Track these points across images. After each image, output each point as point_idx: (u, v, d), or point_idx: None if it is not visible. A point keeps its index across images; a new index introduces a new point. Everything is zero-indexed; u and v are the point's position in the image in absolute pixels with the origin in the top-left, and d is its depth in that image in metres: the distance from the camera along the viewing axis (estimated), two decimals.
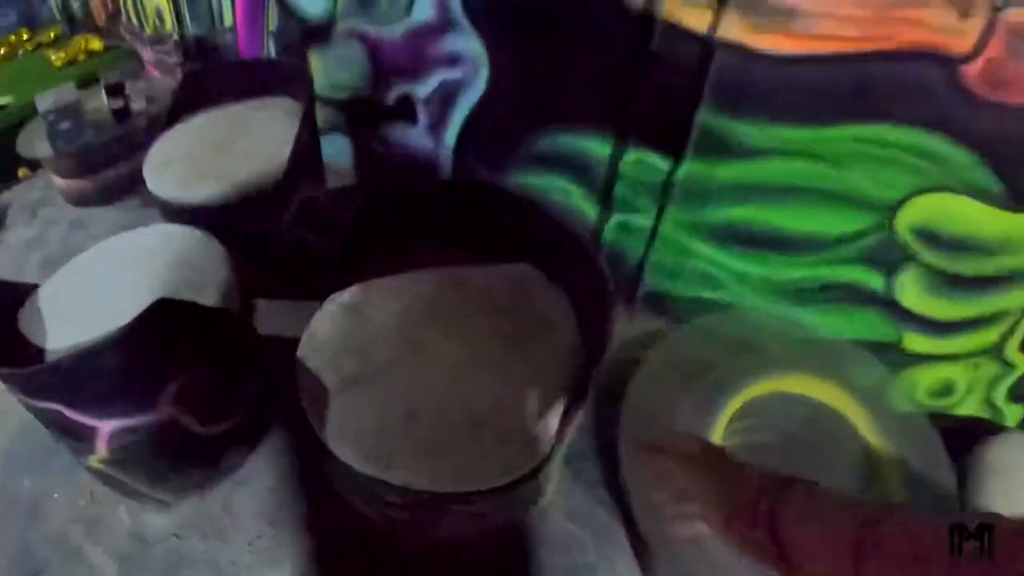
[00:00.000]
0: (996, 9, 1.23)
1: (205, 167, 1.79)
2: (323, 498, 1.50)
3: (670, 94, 1.54)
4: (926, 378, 1.72)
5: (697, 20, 1.44)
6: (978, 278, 1.54)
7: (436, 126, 1.98)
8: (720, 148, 1.56)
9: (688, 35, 1.46)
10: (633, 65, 1.56)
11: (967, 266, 1.53)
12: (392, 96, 2.05)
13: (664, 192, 1.69)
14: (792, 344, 1.65)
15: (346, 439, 1.20)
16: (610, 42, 1.58)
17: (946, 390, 1.72)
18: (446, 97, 1.93)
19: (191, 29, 2.72)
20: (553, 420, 1.24)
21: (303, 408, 1.25)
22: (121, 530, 1.52)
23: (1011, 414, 1.71)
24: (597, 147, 1.74)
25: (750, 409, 1.52)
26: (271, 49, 2.36)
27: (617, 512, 1.54)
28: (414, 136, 2.04)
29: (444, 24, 1.85)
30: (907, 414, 1.59)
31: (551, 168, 1.84)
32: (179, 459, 1.44)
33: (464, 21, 1.81)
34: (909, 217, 1.52)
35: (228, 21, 2.54)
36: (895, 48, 1.33)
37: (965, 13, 1.24)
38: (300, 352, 1.35)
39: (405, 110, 2.02)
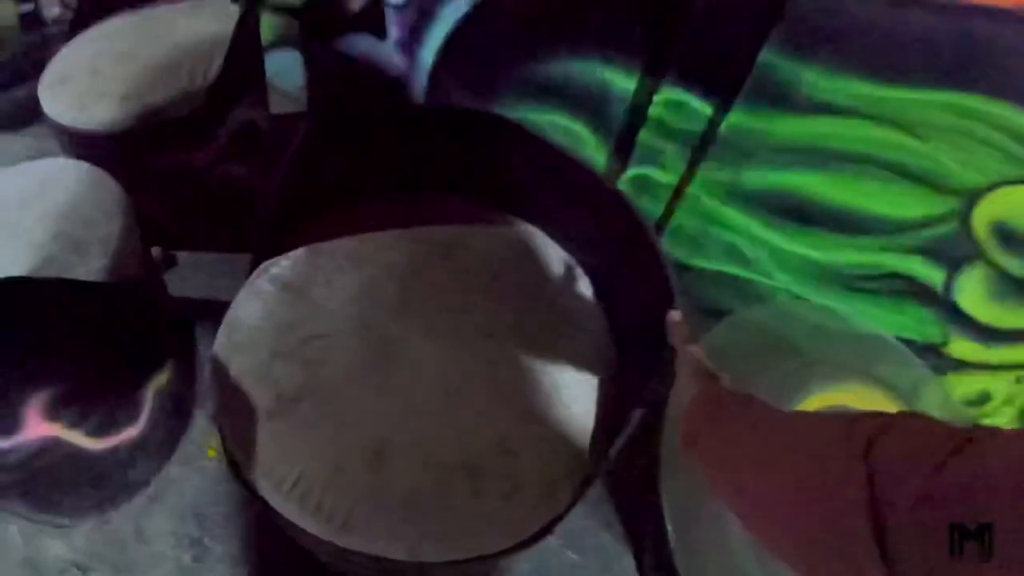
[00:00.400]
0: None
1: (110, 83, 1.39)
2: (259, 518, 1.19)
3: (729, 23, 1.20)
4: (963, 386, 1.50)
5: None
6: None
7: (411, 41, 1.57)
8: (780, 99, 1.24)
9: None
10: None
11: None
12: (357, 1, 1.63)
13: (700, 144, 1.36)
14: (837, 345, 1.39)
15: (283, 486, 0.86)
16: None
17: (981, 399, 1.52)
18: (426, 5, 1.53)
19: None
20: (580, 457, 0.94)
21: (223, 435, 0.91)
22: (14, 559, 1.18)
23: None
24: (621, 80, 1.38)
25: None
26: None
27: (625, 536, 1.29)
28: (382, 53, 1.63)
29: None
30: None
31: (554, 102, 1.48)
32: (71, 482, 1.09)
33: None
34: (989, 209, 1.25)
35: None
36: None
37: None
38: (217, 348, 0.98)
39: (372, 19, 1.61)
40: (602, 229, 1.24)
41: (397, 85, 1.64)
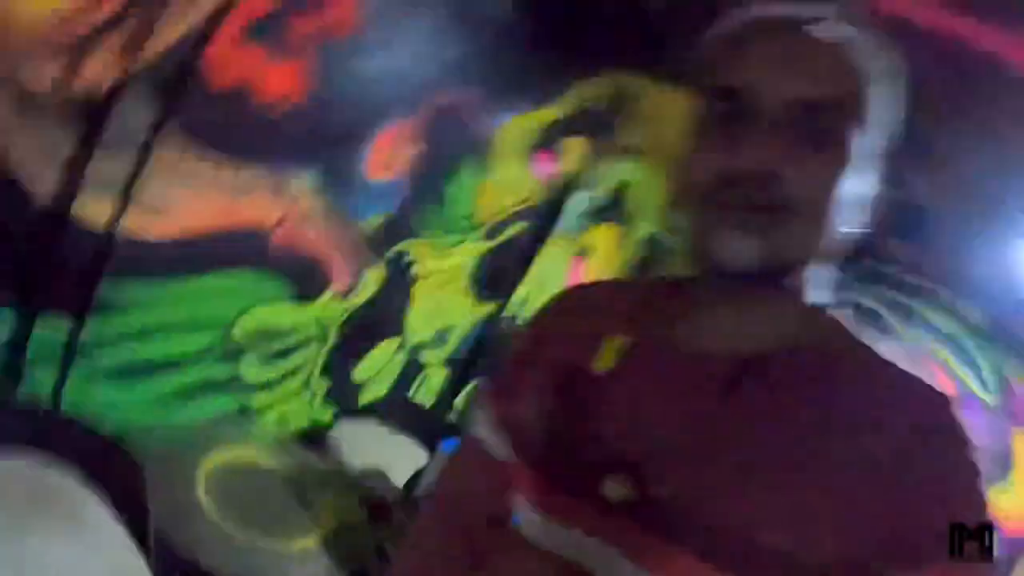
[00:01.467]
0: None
1: None
2: None
3: (78, 270, 1.83)
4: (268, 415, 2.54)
5: (98, 214, 1.79)
6: (286, 349, 2.48)
7: None
8: (116, 305, 1.94)
9: (90, 227, 1.79)
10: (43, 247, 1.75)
11: (278, 344, 2.45)
12: None
13: (68, 350, 1.92)
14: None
15: None
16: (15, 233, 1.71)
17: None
18: None
19: None
20: None
21: None
22: None
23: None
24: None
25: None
26: None
27: None
28: None
29: None
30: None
31: None
32: None
33: None
34: (243, 324, 2.30)
35: None
36: (235, 223, 2.09)
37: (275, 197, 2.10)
38: None
39: None
40: None
41: None
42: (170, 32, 1.67)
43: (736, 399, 0.58)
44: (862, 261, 3.94)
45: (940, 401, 0.57)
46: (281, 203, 2.18)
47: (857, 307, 4.02)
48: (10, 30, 1.45)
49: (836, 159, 0.57)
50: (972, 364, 3.85)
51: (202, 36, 1.72)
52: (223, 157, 1.99)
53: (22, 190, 1.67)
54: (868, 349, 0.62)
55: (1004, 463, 3.80)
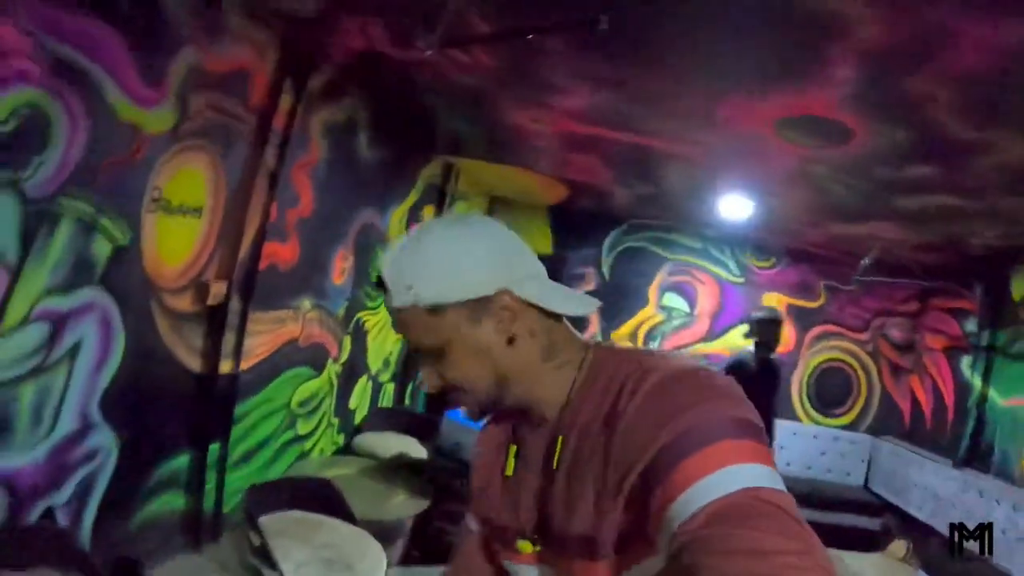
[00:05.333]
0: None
1: None
2: None
3: (221, 405, 3.02)
4: (313, 451, 3.83)
5: (225, 368, 3.01)
6: (315, 406, 3.81)
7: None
8: (239, 419, 3.15)
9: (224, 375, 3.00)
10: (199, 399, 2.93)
11: (312, 404, 3.76)
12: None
13: (221, 459, 3.12)
14: None
15: None
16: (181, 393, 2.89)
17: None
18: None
19: None
20: None
21: None
22: None
23: (339, 438, 4.06)
24: None
25: None
26: None
27: None
28: None
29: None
30: None
31: None
32: None
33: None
34: (294, 402, 3.56)
35: None
36: (280, 342, 3.38)
37: (295, 319, 3.42)
38: None
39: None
40: None
41: None
42: (243, 251, 2.93)
43: (553, 463, 0.96)
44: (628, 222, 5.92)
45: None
46: (299, 322, 3.48)
47: (629, 249, 6.06)
48: (163, 278, 2.62)
49: (451, 360, 0.93)
50: (720, 262, 5.99)
51: (259, 244, 3.00)
52: (268, 306, 3.25)
53: (183, 366, 2.85)
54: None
55: None
